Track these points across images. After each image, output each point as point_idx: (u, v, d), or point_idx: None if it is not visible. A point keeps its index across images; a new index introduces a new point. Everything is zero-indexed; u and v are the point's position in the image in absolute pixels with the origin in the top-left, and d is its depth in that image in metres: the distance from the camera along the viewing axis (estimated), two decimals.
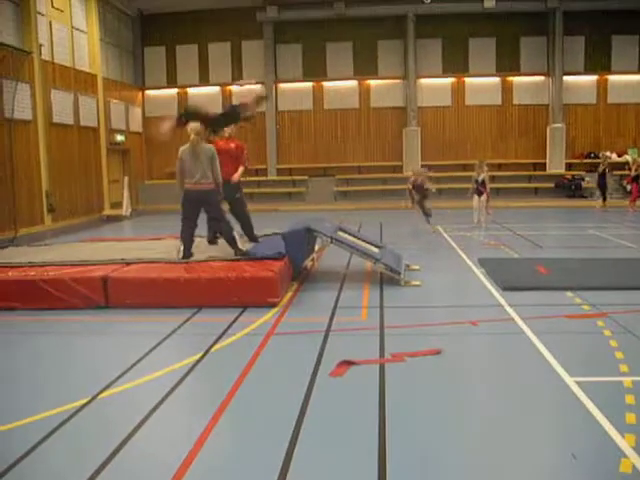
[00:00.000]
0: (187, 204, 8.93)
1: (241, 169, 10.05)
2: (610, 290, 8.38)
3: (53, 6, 19.55)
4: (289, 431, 4.32)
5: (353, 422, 4.50)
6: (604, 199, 20.81)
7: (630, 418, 4.40)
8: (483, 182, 16.18)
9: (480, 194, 16.30)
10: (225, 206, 9.76)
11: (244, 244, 9.57)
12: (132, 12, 25.50)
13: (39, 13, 18.49)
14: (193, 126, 8.81)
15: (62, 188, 19.61)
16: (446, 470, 3.83)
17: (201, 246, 9.74)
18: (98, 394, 5.07)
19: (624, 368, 5.42)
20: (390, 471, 3.77)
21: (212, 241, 9.98)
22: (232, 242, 9.12)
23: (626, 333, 6.44)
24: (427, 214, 15.51)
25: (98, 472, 3.81)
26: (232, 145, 9.94)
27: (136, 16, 25.91)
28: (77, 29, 21.12)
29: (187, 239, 9.04)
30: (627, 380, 5.12)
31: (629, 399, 4.73)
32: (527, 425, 4.47)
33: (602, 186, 20.90)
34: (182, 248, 9.03)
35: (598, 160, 25.43)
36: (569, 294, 8.21)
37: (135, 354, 6.10)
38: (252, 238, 10.26)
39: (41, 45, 18.38)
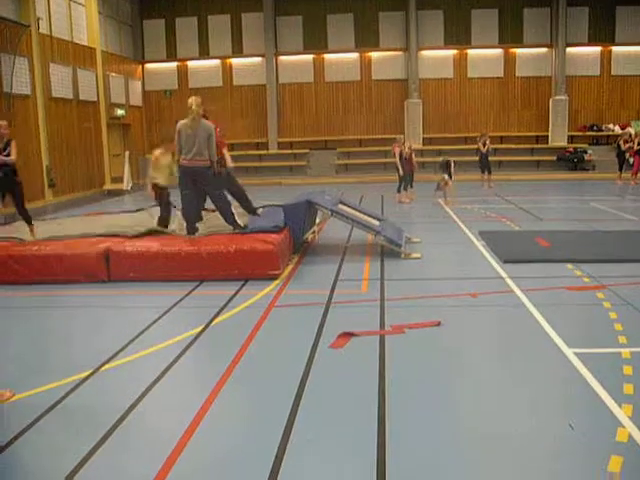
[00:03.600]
0: (184, 179, 8.84)
1: (227, 151, 9.93)
2: (610, 262, 8.38)
3: None
4: (289, 402, 4.35)
5: (353, 394, 4.54)
6: (621, 171, 20.65)
7: (628, 389, 4.43)
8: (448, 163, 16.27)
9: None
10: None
11: (242, 218, 9.53)
12: None
13: None
14: (195, 100, 8.66)
15: (62, 163, 19.57)
16: (446, 443, 3.87)
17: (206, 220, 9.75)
18: (100, 367, 5.11)
19: (623, 339, 5.45)
20: (389, 443, 3.80)
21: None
22: (230, 218, 9.04)
23: (626, 305, 6.46)
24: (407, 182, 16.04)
25: (100, 444, 3.85)
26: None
27: None
28: (75, 2, 20.90)
29: (190, 214, 8.94)
30: (625, 351, 5.15)
31: (627, 370, 4.76)
32: (526, 396, 4.50)
33: (620, 159, 20.75)
34: (185, 225, 8.97)
35: (602, 133, 25.33)
36: (569, 266, 8.22)
37: (137, 327, 6.13)
38: (250, 210, 10.22)
39: (39, 18, 18.21)
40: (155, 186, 9.58)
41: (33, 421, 4.16)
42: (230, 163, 9.88)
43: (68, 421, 4.24)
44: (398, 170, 15.91)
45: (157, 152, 9.59)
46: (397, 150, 15.98)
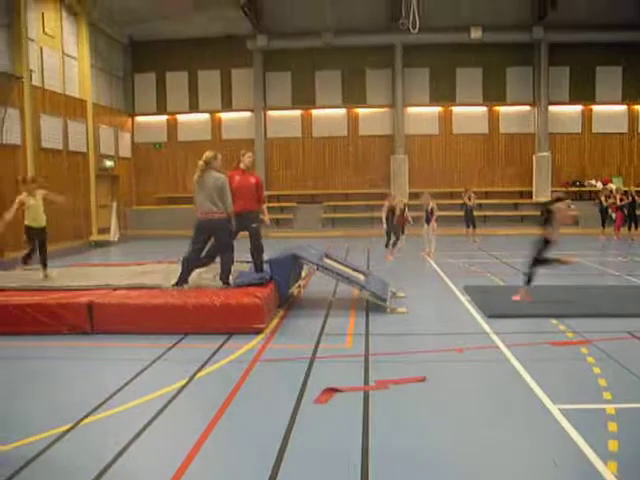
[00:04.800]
0: (197, 232, 8.91)
1: (266, 210, 10.18)
2: (594, 317, 8.43)
3: (44, 32, 19.72)
4: (272, 459, 4.29)
5: (336, 450, 4.49)
6: (604, 227, 20.90)
7: (613, 445, 4.42)
8: (432, 211, 16.37)
9: (428, 222, 16.48)
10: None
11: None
12: (123, 39, 25.72)
13: (30, 39, 18.65)
14: (206, 154, 8.81)
15: (50, 213, 19.47)
16: None
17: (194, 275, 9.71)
18: (81, 420, 5.03)
19: (607, 395, 5.45)
20: None
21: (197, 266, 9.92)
22: (226, 273, 9.05)
23: (609, 360, 6.48)
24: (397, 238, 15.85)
25: None
26: (252, 180, 9.68)
27: (127, 43, 26.16)
28: (68, 55, 21.27)
29: (188, 265, 8.95)
30: (610, 407, 5.14)
31: (612, 426, 4.75)
32: (511, 452, 4.48)
33: (603, 214, 21.03)
34: (180, 272, 8.96)
35: (584, 188, 25.76)
36: (553, 321, 8.26)
37: (119, 380, 6.06)
38: (258, 268, 10.03)
39: (31, 71, 18.49)
40: (27, 229, 10.24)
41: (12, 474, 4.07)
42: (267, 220, 10.26)
43: (48, 475, 4.16)
44: (393, 226, 15.70)
45: (21, 196, 10.18)
46: (386, 204, 15.89)
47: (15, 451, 4.47)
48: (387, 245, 15.77)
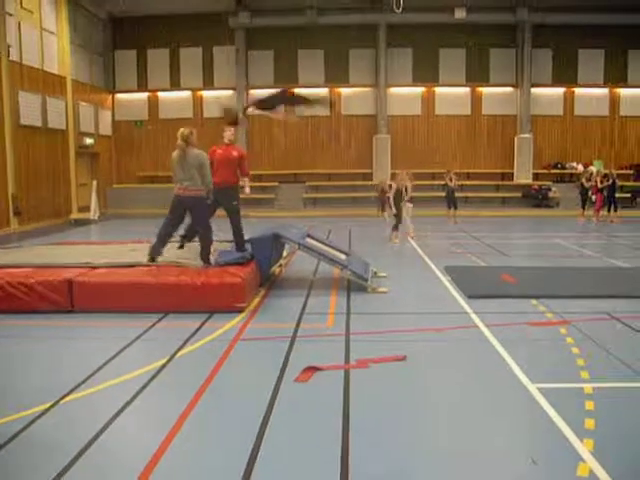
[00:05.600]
0: (173, 206, 8.88)
1: (247, 180, 10.03)
2: (573, 298, 8.51)
3: (22, 7, 19.37)
4: (252, 437, 4.32)
5: (317, 428, 4.52)
6: (584, 209, 21.08)
7: (589, 423, 4.48)
8: (406, 190, 15.62)
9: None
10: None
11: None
12: (103, 15, 25.33)
13: (8, 13, 18.32)
14: (180, 131, 8.72)
15: (29, 191, 19.37)
16: (409, 475, 3.87)
17: (171, 250, 9.66)
18: (60, 399, 5.02)
19: (585, 375, 5.53)
20: (353, 476, 3.79)
21: (181, 245, 9.90)
22: (206, 252, 9.00)
23: (588, 340, 6.56)
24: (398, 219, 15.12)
25: (59, 477, 3.77)
26: (234, 153, 9.68)
27: (107, 19, 25.76)
28: (47, 30, 20.92)
29: (161, 237, 8.94)
30: (587, 386, 5.22)
31: (589, 405, 4.83)
32: (489, 431, 4.53)
33: (583, 196, 21.21)
34: (153, 243, 8.92)
35: (565, 171, 25.96)
36: (533, 302, 8.34)
37: (99, 359, 6.05)
38: (240, 247, 10.00)
39: (9, 46, 18.18)
40: None
41: None
42: (248, 191, 10.12)
43: (28, 453, 4.15)
44: (391, 208, 15.00)
45: None
46: (393, 185, 15.15)
47: None
48: (397, 227, 14.90)
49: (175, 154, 8.79)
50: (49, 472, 3.82)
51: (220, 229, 10.01)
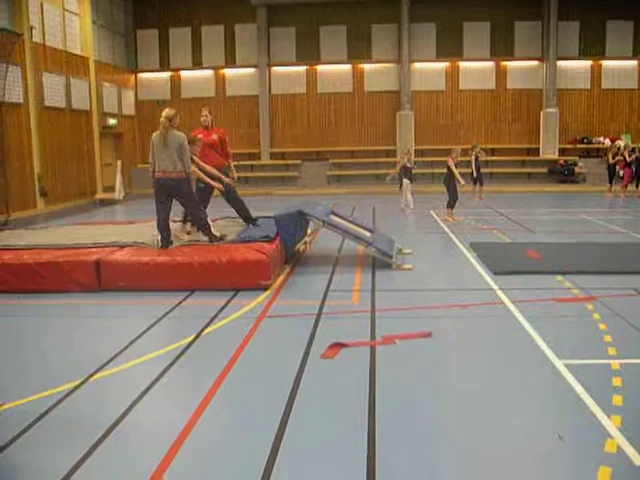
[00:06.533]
0: (158, 192, 8.81)
1: (231, 162, 10.06)
2: (600, 274, 8.43)
3: None
4: (280, 413, 4.35)
5: (344, 404, 4.54)
6: (611, 184, 20.81)
7: (617, 400, 4.45)
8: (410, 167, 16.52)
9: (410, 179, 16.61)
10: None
11: (221, 229, 9.52)
12: None
13: None
14: (165, 111, 8.62)
15: (54, 172, 19.56)
16: (436, 451, 3.88)
17: (178, 231, 9.71)
18: (90, 376, 5.09)
19: (612, 351, 5.48)
20: (380, 452, 3.81)
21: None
22: (205, 229, 9.00)
23: (615, 316, 6.50)
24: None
25: (91, 452, 3.84)
26: (214, 137, 9.76)
27: None
28: (69, 11, 20.96)
29: (163, 228, 8.84)
30: (615, 363, 5.18)
31: (616, 381, 4.79)
32: (516, 407, 4.52)
33: (611, 172, 20.92)
34: (159, 238, 8.84)
35: (592, 145, 25.56)
36: (559, 278, 8.27)
37: (127, 337, 6.12)
38: (248, 221, 10.15)
39: (32, 27, 18.25)
40: None
41: (23, 430, 4.14)
42: (234, 175, 10.15)
43: (58, 430, 4.22)
44: (451, 185, 14.23)
45: None
46: (452, 162, 14.13)
47: (23, 407, 4.53)
48: (453, 205, 14.40)
49: (156, 134, 8.69)
50: (81, 448, 3.89)
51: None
